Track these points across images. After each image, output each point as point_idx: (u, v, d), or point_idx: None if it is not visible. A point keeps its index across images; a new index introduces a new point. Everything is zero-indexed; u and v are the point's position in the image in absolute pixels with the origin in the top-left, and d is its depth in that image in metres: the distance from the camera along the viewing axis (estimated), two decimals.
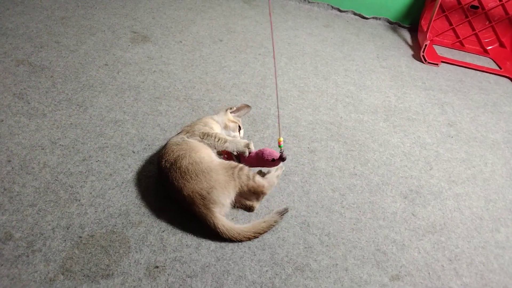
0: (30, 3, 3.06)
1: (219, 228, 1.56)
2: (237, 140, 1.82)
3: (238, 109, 2.07)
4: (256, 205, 1.75)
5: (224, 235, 1.57)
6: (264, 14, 3.74)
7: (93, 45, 2.71)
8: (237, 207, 1.75)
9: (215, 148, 1.77)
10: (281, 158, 1.72)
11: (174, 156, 1.65)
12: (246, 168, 1.68)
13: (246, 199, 1.72)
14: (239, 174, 1.63)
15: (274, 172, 1.83)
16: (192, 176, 1.58)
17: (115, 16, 3.14)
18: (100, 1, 3.31)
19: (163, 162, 1.66)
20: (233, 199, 1.64)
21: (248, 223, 1.65)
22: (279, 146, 1.74)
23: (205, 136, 1.78)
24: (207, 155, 1.69)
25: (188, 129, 1.84)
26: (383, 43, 3.64)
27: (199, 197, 1.56)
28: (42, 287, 1.34)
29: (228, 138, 1.82)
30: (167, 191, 1.70)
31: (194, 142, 1.75)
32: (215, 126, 1.92)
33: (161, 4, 3.48)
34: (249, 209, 1.75)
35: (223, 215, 1.62)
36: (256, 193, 1.70)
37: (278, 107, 1.92)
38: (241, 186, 1.63)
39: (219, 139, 1.78)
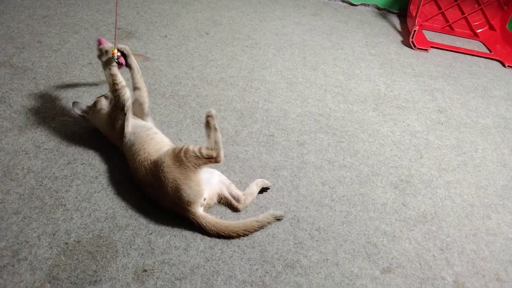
0: (10, 2, 2.99)
1: (203, 225, 1.55)
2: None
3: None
4: (240, 206, 1.71)
5: (211, 231, 1.56)
6: (250, 4, 3.68)
7: (77, 43, 2.66)
8: (223, 204, 1.73)
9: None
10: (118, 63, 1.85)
11: (140, 166, 1.67)
12: (190, 146, 1.59)
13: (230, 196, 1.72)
14: (186, 156, 1.56)
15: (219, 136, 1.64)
16: (160, 186, 1.59)
17: (98, 12, 3.08)
18: None
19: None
20: (201, 182, 1.58)
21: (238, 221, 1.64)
22: (113, 57, 1.79)
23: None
24: (159, 148, 1.69)
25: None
26: (372, 30, 3.60)
27: (173, 204, 1.58)
28: None
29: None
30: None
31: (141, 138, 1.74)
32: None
33: None
34: (235, 209, 1.72)
35: (210, 204, 1.65)
36: (212, 162, 1.59)
37: (116, 14, 1.90)
38: (195, 166, 1.56)
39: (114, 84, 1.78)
